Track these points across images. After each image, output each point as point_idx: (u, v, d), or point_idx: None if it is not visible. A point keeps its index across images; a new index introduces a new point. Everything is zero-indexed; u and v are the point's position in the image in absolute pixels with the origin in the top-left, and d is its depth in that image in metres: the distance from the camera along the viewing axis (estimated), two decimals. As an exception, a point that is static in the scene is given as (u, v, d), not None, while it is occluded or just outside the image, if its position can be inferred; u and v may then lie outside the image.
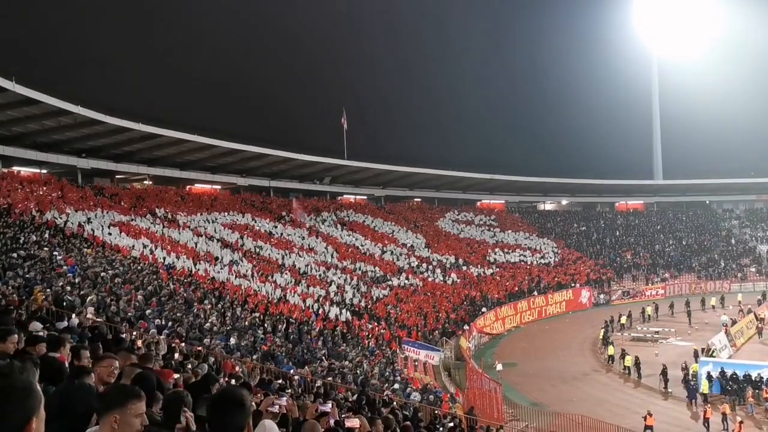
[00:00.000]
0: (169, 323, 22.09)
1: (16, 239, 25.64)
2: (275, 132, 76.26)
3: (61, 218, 31.02)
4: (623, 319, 41.88)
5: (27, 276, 21.08)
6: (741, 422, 22.76)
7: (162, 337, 19.17)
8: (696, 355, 30.62)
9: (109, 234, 32.16)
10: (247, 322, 26.96)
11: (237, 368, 18.55)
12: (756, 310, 41.66)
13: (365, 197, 63.22)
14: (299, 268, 40.23)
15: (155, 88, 74.43)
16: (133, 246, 31.52)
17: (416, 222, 60.62)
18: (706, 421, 23.85)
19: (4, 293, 17.26)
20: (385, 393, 21.41)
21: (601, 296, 52.15)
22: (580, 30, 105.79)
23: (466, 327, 38.25)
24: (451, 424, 18.77)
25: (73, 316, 15.71)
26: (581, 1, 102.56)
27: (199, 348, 19.25)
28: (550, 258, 58.48)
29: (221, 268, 34.30)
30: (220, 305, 27.90)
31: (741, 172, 72.23)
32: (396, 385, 24.73)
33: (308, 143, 63.70)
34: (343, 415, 8.90)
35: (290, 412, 6.62)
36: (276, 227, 47.20)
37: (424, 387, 26.71)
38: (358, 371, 25.79)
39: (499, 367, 31.64)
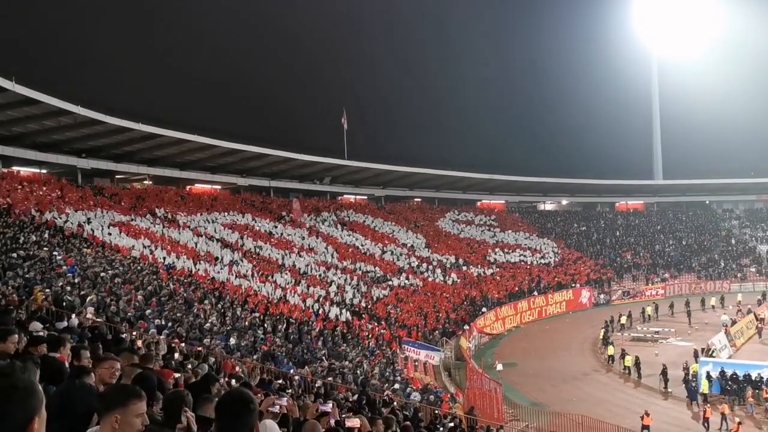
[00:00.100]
0: (169, 323, 22.09)
1: (16, 239, 25.61)
2: (275, 132, 76.16)
3: (60, 218, 30.99)
4: (623, 319, 41.89)
5: (27, 276, 21.07)
6: (740, 423, 22.76)
7: (162, 337, 19.16)
8: (696, 355, 30.61)
9: (109, 234, 32.13)
10: (247, 323, 26.94)
11: (237, 368, 18.54)
12: (756, 310, 41.66)
13: (365, 197, 63.21)
14: (299, 268, 40.22)
15: (155, 88, 74.38)
16: (133, 246, 31.50)
17: (416, 222, 60.61)
18: (705, 420, 23.88)
19: (4, 293, 17.25)
20: (385, 393, 21.39)
21: (601, 296, 52.17)
22: (580, 30, 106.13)
23: (466, 327, 38.26)
24: (452, 424, 18.74)
25: (73, 316, 15.68)
26: (581, 1, 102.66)
27: (199, 348, 19.23)
28: (550, 258, 58.49)
29: (221, 268, 34.29)
30: (220, 305, 27.89)
31: (741, 172, 72.31)
32: (396, 385, 24.75)
33: (308, 143, 63.58)
34: (343, 415, 8.90)
35: (291, 412, 6.62)
36: (276, 227, 47.19)
37: (424, 387, 26.71)
38: (358, 371, 25.80)
39: (500, 367, 31.66)
